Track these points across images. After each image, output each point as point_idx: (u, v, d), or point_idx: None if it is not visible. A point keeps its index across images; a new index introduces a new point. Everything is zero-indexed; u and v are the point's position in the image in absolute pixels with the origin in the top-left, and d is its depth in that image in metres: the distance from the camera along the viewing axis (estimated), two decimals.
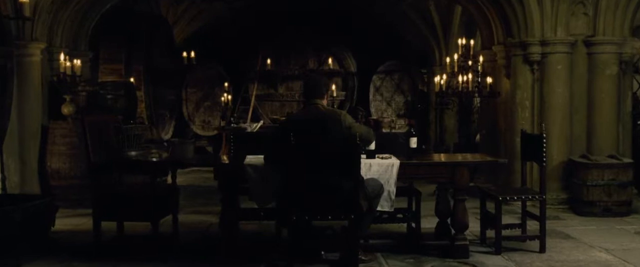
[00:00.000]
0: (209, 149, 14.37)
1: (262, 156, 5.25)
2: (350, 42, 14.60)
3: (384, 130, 12.99)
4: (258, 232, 6.42)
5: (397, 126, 14.73)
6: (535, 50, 7.76)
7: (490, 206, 5.76)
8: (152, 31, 11.55)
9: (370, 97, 14.75)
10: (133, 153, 8.38)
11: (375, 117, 14.35)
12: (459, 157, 5.95)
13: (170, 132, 12.66)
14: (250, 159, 5.54)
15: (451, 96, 8.92)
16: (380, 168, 5.28)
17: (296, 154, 4.71)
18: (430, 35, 13.59)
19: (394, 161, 5.32)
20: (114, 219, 5.50)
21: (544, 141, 5.43)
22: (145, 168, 5.67)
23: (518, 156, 7.79)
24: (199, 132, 14.60)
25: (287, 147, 4.73)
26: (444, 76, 8.77)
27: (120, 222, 5.71)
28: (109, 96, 9.13)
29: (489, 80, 8.51)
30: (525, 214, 5.92)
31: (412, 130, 5.75)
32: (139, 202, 5.35)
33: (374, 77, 14.72)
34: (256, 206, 5.42)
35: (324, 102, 5.14)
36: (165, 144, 12.34)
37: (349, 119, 5.00)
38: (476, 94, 8.69)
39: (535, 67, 7.83)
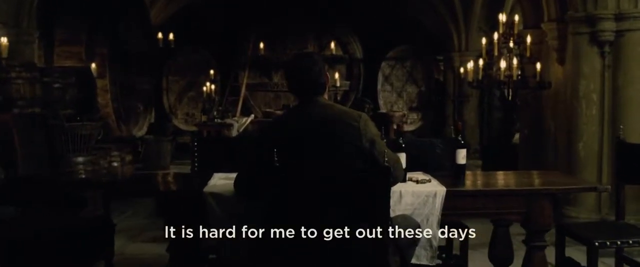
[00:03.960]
0: None
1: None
2: (355, 24, 12.99)
3: (394, 128, 11.23)
4: None
5: (408, 121, 13.09)
6: (608, 27, 5.85)
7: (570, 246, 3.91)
8: (121, 8, 9.66)
9: (379, 87, 13.24)
10: (80, 159, 6.50)
11: (384, 111, 12.75)
12: (535, 180, 4.00)
13: (145, 128, 10.78)
14: (218, 180, 3.69)
15: (489, 87, 7.04)
16: (415, 200, 3.40)
17: (284, 183, 2.82)
18: (448, 16, 11.85)
19: (437, 188, 3.44)
20: None
21: None
22: (51, 195, 3.77)
23: (582, 168, 6.07)
24: (182, 126, 12.84)
25: (270, 172, 2.84)
26: (481, 62, 6.88)
27: None
28: (55, 85, 7.23)
29: (538, 66, 6.63)
30: (622, 260, 4.04)
31: (459, 137, 3.85)
32: (45, 248, 3.47)
33: (383, 64, 13.24)
34: None
35: (325, 95, 3.24)
36: (140, 142, 10.58)
37: (371, 130, 3.07)
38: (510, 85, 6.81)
39: (607, 49, 5.93)
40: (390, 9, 12.62)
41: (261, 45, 12.49)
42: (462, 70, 11.42)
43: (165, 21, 12.02)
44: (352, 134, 2.99)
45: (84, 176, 6.45)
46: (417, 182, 3.59)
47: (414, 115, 13.27)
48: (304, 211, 2.80)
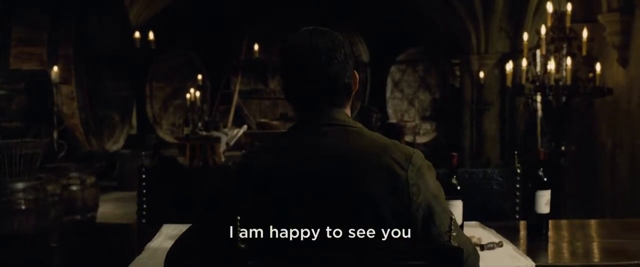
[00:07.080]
0: (181, 159, 11.38)
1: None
2: (361, 23, 11.91)
3: (405, 137, 9.99)
4: None
5: (421, 132, 11.91)
6: None
7: None
8: (91, 1, 8.37)
9: (388, 94, 12.32)
10: (20, 185, 5.15)
11: (394, 120, 11.62)
12: None
13: (122, 141, 9.45)
14: (164, 241, 2.40)
15: (534, 92, 5.76)
16: None
17: None
18: (466, 14, 10.67)
19: (521, 263, 2.08)
20: None
21: None
22: None
23: None
24: (168, 138, 11.60)
25: (233, 255, 1.47)
26: (524, 62, 5.55)
27: None
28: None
29: (598, 68, 5.32)
30: None
31: (540, 171, 2.50)
32: None
33: (393, 68, 12.35)
34: None
35: (348, 111, 1.78)
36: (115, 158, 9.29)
37: (430, 184, 1.60)
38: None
39: None
40: (400, 7, 11.52)
41: (256, 47, 11.30)
42: (481, 74, 10.29)
43: (147, 21, 10.80)
44: (393, 190, 1.56)
45: (23, 207, 5.10)
46: (483, 248, 2.23)
47: (427, 126, 12.22)
48: None
